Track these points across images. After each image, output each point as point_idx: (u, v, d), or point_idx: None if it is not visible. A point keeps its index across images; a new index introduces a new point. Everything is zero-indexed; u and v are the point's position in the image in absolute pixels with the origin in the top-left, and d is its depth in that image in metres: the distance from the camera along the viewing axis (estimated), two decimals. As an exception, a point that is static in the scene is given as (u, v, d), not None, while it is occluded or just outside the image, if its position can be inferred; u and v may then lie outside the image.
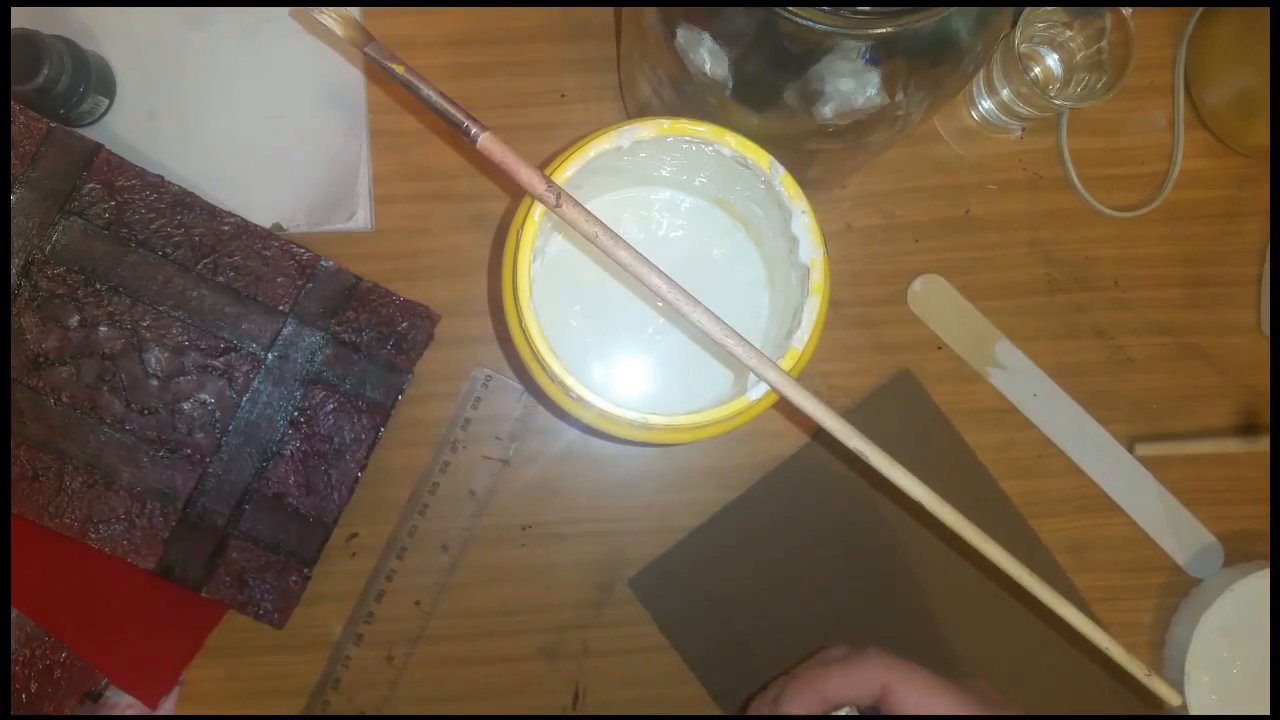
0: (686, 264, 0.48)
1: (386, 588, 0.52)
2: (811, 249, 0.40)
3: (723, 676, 0.53)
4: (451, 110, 0.37)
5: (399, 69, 0.37)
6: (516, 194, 0.53)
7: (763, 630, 0.53)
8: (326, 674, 0.52)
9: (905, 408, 0.53)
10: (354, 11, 0.53)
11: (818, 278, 0.40)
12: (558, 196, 0.37)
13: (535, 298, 0.39)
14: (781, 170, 0.40)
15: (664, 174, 0.47)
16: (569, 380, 0.39)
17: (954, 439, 0.53)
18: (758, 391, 0.39)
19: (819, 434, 0.52)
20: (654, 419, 0.39)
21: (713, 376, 0.48)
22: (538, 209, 0.39)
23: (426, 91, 0.37)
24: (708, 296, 0.47)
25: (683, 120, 0.40)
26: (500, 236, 0.54)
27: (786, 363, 0.39)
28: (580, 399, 0.39)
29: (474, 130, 0.37)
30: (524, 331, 0.39)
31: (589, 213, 0.37)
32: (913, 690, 0.41)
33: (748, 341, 0.37)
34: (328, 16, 0.39)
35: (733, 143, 0.40)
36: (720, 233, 0.48)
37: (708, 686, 0.53)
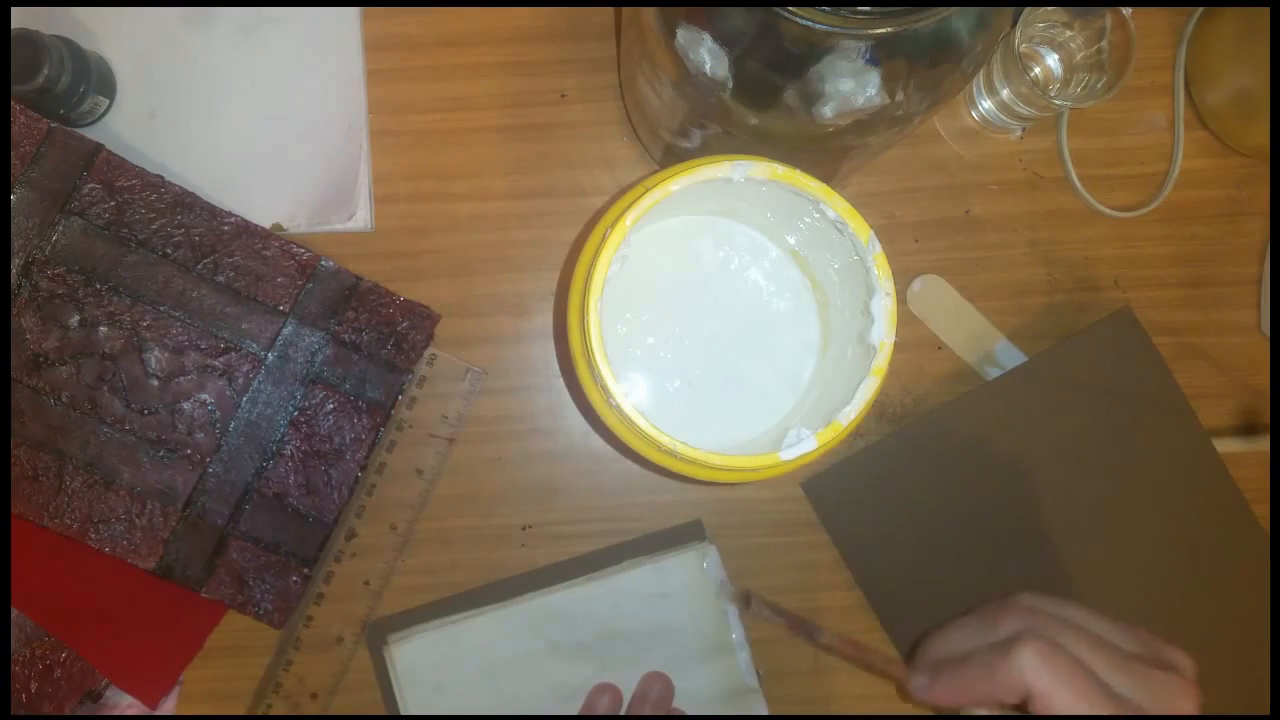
0: (749, 308, 0.48)
1: (336, 569, 0.52)
2: (884, 332, 0.40)
3: (877, 577, 0.53)
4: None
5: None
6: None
7: (925, 544, 0.52)
8: (274, 669, 0.52)
9: (1119, 348, 0.52)
10: (354, 12, 0.53)
11: (881, 361, 0.40)
12: None
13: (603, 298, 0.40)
14: (878, 246, 0.40)
15: (764, 217, 0.47)
16: (613, 387, 0.39)
17: (1168, 385, 0.52)
18: (791, 453, 0.39)
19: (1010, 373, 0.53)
20: (683, 449, 0.39)
21: (728, 427, 0.48)
22: (631, 215, 0.40)
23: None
24: (759, 347, 0.48)
25: (796, 171, 0.40)
26: (501, 236, 0.54)
27: (828, 434, 0.40)
28: (617, 407, 0.39)
29: None
30: (584, 328, 0.39)
31: None
32: (1063, 694, 0.39)
33: None
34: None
35: (838, 206, 0.40)
36: (789, 287, 0.49)
37: (860, 580, 0.53)
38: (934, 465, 0.52)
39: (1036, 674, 0.39)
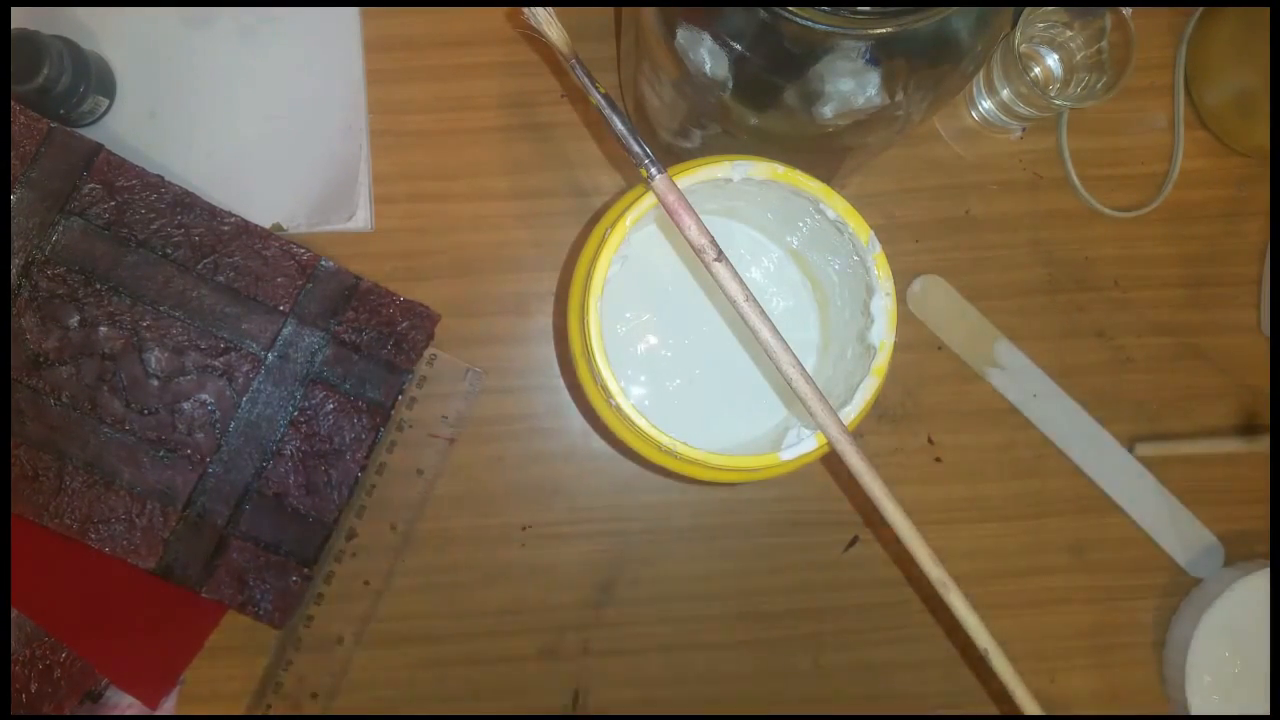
0: None
1: (336, 569, 0.52)
2: (885, 332, 0.40)
3: None
4: (635, 146, 0.37)
5: (600, 90, 0.37)
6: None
7: None
8: (271, 668, 0.52)
9: None
10: (354, 12, 0.53)
11: (882, 361, 0.40)
12: (718, 254, 0.37)
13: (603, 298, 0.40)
14: (878, 246, 0.40)
15: (764, 217, 0.47)
16: (613, 387, 0.39)
17: None
18: (791, 453, 0.39)
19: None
20: (683, 449, 0.39)
21: (728, 427, 0.48)
22: (631, 215, 0.39)
23: (617, 123, 0.37)
24: (759, 347, 0.48)
25: (796, 171, 0.40)
26: (503, 237, 0.54)
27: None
28: (617, 407, 0.39)
29: (654, 170, 0.37)
30: (584, 328, 0.39)
31: (740, 279, 0.37)
32: None
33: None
34: (543, 15, 0.38)
35: (838, 206, 0.40)
36: (789, 286, 0.49)
37: None
38: None
39: None
